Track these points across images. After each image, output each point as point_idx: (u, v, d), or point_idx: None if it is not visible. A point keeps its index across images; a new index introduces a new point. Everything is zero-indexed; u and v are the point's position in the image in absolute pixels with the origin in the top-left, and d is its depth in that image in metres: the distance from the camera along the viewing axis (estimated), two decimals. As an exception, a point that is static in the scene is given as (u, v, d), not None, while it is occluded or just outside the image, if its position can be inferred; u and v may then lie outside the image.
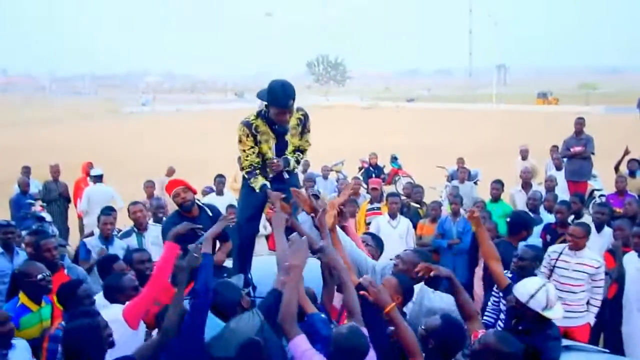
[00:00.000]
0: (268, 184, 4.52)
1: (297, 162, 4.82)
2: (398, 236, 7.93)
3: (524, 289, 4.20)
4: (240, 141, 4.53)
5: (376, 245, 5.46)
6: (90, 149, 23.97)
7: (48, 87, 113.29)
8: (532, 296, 4.13)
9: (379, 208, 8.87)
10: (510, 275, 5.02)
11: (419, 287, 4.35)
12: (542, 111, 48.90)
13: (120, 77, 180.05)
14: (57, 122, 45.94)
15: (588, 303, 6.04)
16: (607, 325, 6.47)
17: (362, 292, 3.64)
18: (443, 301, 4.28)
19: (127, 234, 6.87)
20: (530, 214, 7.52)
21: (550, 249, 6.26)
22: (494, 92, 64.43)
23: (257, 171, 4.57)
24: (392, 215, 8.15)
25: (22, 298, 4.81)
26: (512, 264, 5.37)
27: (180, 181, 5.66)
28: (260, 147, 4.56)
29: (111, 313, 4.28)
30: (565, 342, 5.44)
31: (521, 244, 5.90)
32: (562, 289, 5.84)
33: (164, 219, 6.76)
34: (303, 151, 4.85)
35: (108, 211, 6.94)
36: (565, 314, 5.63)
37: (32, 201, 9.82)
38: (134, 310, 4.17)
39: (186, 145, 28.99)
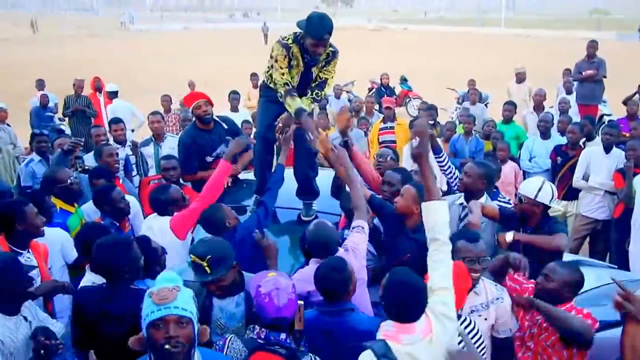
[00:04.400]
0: (306, 108, 4.53)
1: (315, 100, 4.75)
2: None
3: (529, 186, 4.41)
4: (276, 60, 4.56)
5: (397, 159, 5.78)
6: (101, 66, 23.94)
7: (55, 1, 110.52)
8: (539, 189, 4.33)
9: (392, 127, 8.99)
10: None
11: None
12: (551, 36, 48.08)
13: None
14: (67, 39, 45.58)
15: None
16: (614, 244, 6.58)
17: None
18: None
19: (145, 143, 7.47)
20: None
21: None
22: (503, 16, 63.12)
23: (295, 91, 4.58)
24: None
25: (58, 203, 4.88)
26: (459, 180, 5.08)
27: (202, 94, 5.97)
28: (289, 72, 4.62)
29: (160, 223, 4.62)
30: (573, 256, 5.73)
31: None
32: None
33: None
34: (324, 82, 4.76)
35: (117, 120, 7.65)
36: None
37: (52, 114, 9.99)
38: (182, 222, 4.41)
39: (196, 63, 28.92)
